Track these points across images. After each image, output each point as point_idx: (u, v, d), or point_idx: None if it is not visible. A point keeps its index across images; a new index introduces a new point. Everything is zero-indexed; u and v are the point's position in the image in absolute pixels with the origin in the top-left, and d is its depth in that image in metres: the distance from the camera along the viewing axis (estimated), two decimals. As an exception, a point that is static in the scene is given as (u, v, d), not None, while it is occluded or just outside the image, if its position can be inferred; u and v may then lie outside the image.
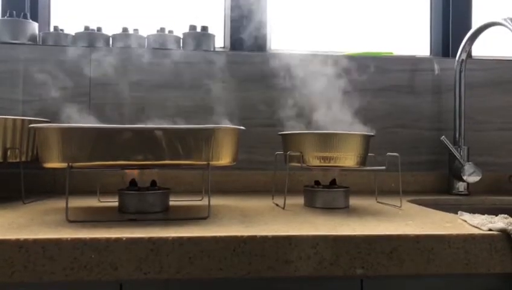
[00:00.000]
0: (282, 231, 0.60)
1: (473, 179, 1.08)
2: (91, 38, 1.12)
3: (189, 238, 0.55)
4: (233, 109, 1.13)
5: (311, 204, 0.86)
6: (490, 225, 0.61)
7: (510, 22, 0.96)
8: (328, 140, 0.82)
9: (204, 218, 0.70)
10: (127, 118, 1.09)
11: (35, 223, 0.64)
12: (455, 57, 1.15)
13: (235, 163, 0.75)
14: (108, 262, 0.54)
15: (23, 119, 0.88)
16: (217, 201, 0.91)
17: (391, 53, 1.25)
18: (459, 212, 0.76)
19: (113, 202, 0.85)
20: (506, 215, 0.73)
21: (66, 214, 0.67)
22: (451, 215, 0.76)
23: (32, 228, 0.60)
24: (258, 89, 1.15)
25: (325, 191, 0.85)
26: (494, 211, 1.09)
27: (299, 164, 0.84)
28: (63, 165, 0.68)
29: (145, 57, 1.10)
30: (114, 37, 1.13)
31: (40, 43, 1.12)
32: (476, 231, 0.60)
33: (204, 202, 0.90)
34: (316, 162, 0.83)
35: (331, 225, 0.65)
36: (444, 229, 0.62)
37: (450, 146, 1.10)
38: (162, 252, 0.54)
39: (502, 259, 0.59)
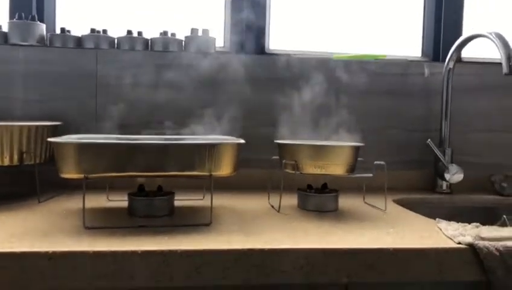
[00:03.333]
0: (278, 240, 0.68)
1: (456, 179, 1.16)
2: (97, 40, 1.17)
3: (196, 251, 0.63)
4: (232, 109, 1.18)
5: (304, 206, 0.94)
6: (460, 238, 0.70)
7: (493, 36, 1.02)
8: (320, 151, 0.89)
9: (207, 224, 0.78)
10: (133, 119, 1.16)
11: (57, 230, 0.72)
12: (445, 61, 1.21)
13: (235, 173, 0.83)
14: (126, 272, 0.61)
15: (37, 126, 0.94)
16: (216, 200, 0.98)
17: (384, 56, 1.30)
18: (436, 219, 0.85)
19: (121, 201, 0.92)
20: (477, 224, 0.81)
21: (83, 221, 0.75)
22: (429, 222, 0.84)
23: (57, 236, 0.68)
24: (256, 89, 1.20)
25: (317, 196, 0.93)
26: (474, 209, 1.18)
27: (294, 171, 0.91)
28: (80, 176, 0.75)
29: (150, 59, 1.16)
30: (119, 39, 1.18)
31: (48, 45, 1.17)
32: (447, 245, 0.68)
33: (206, 201, 0.98)
34: (309, 170, 0.90)
35: (321, 233, 0.73)
36: (421, 240, 0.71)
37: (435, 149, 1.17)
38: (172, 263, 0.62)
39: (469, 269, 0.67)
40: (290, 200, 0.98)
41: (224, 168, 0.80)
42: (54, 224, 0.76)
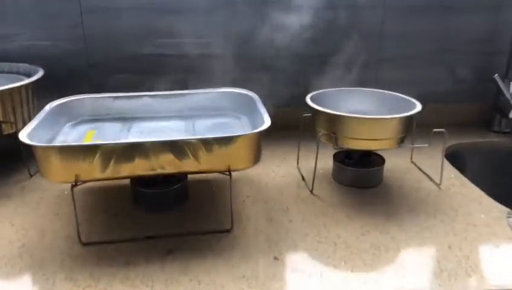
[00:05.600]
0: (308, 270, 0.56)
1: (520, 119, 0.97)
2: (73, -50, 0.89)
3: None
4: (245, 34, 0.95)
5: (340, 180, 0.79)
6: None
7: None
8: (364, 124, 0.70)
9: (228, 230, 0.65)
10: (130, 49, 0.95)
11: (50, 251, 0.61)
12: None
13: (257, 164, 0.66)
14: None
15: (10, 89, 0.76)
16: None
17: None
18: (507, 212, 0.70)
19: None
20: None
21: (78, 235, 0.62)
22: (496, 214, 0.69)
23: (51, 264, 0.58)
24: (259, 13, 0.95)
25: (357, 171, 0.77)
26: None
27: (331, 144, 0.74)
28: (67, 181, 0.60)
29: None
30: None
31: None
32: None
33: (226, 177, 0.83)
34: (351, 145, 0.72)
35: (364, 250, 0.60)
36: (491, 258, 0.57)
37: (501, 84, 0.95)
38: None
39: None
40: (325, 162, 0.82)
41: (244, 162, 0.64)
42: (46, 234, 0.65)
